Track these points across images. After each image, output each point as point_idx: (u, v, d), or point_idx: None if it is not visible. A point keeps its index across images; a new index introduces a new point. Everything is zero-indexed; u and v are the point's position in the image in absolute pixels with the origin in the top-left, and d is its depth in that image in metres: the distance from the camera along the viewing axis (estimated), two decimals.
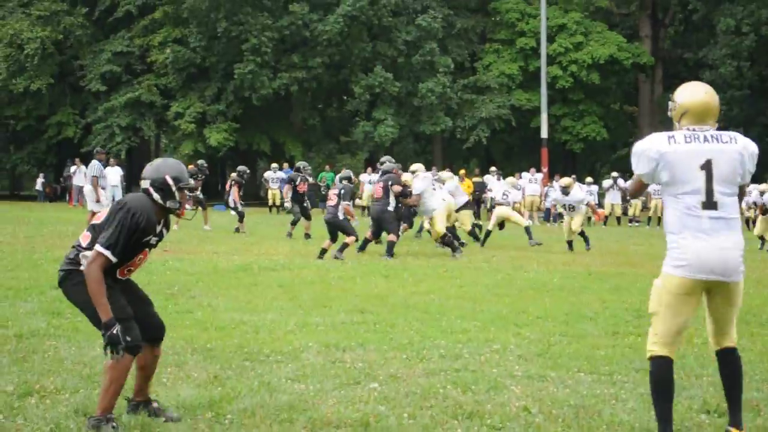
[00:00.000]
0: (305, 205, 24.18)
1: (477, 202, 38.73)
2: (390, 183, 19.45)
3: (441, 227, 20.09)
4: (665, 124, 52.28)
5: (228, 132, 46.59)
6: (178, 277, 14.75)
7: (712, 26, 46.96)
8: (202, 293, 13.18)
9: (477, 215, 38.75)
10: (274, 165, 40.85)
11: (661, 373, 6.00)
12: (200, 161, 29.55)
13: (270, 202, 39.64)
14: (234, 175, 27.39)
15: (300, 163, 23.51)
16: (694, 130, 5.99)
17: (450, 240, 19.79)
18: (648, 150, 5.99)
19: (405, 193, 19.71)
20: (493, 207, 35.23)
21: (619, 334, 10.49)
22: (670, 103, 6.15)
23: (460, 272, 16.63)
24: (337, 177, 21.45)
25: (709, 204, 5.86)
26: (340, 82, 49.72)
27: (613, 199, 37.74)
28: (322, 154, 50.16)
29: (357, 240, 19.16)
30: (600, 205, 38.00)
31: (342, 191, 19.11)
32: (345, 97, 51.18)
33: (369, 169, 40.18)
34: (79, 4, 50.53)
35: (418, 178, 20.24)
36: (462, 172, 39.14)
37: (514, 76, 50.07)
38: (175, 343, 9.09)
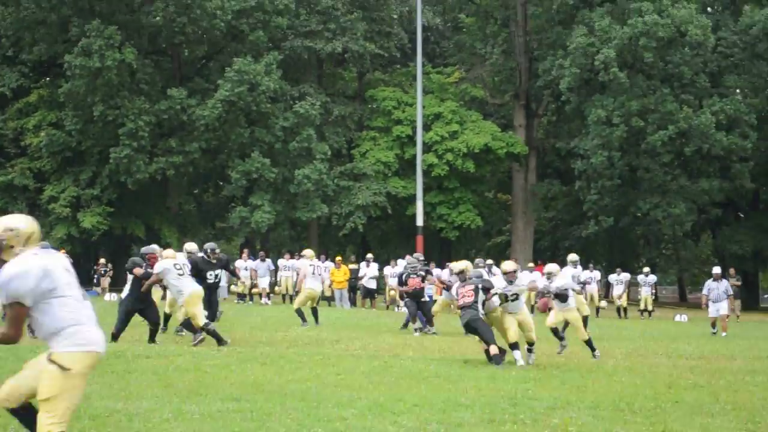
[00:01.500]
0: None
1: (353, 288, 38.86)
2: (481, 286, 17.00)
3: None
4: (538, 212, 53.51)
5: (102, 216, 46.06)
6: None
7: (584, 117, 48.09)
8: (90, 380, 12.91)
9: (353, 302, 38.94)
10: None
11: None
12: None
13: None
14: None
15: (207, 245, 21.79)
16: None
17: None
18: None
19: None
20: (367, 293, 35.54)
21: (495, 422, 10.55)
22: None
23: (337, 359, 16.58)
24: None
25: None
26: (216, 167, 49.65)
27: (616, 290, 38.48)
28: (198, 239, 49.78)
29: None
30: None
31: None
32: (221, 183, 51.06)
33: (244, 255, 39.92)
34: None
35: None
36: (338, 258, 39.27)
37: (391, 164, 50.53)
38: None
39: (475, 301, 16.70)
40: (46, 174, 48.19)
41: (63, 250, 42.84)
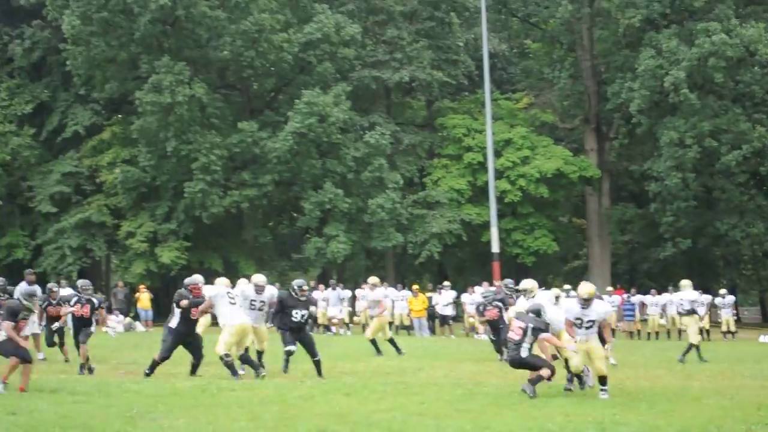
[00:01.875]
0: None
1: (431, 317, 38.85)
2: (532, 326, 16.06)
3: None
4: (614, 235, 53.04)
5: (180, 251, 46.36)
6: (137, 399, 14.51)
7: (656, 139, 47.70)
8: (163, 416, 12.97)
9: (432, 330, 38.88)
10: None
11: None
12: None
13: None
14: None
15: (295, 282, 20.25)
16: None
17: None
18: None
19: None
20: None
21: None
22: None
23: (420, 388, 16.51)
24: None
25: None
26: (290, 199, 49.84)
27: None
28: (275, 271, 50.06)
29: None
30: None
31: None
32: (295, 214, 51.24)
33: (321, 286, 40.06)
34: (26, 125, 50.48)
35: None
36: (415, 287, 39.24)
37: (463, 191, 50.36)
38: None
39: (522, 342, 15.93)
40: (123, 210, 48.71)
41: (142, 286, 43.32)
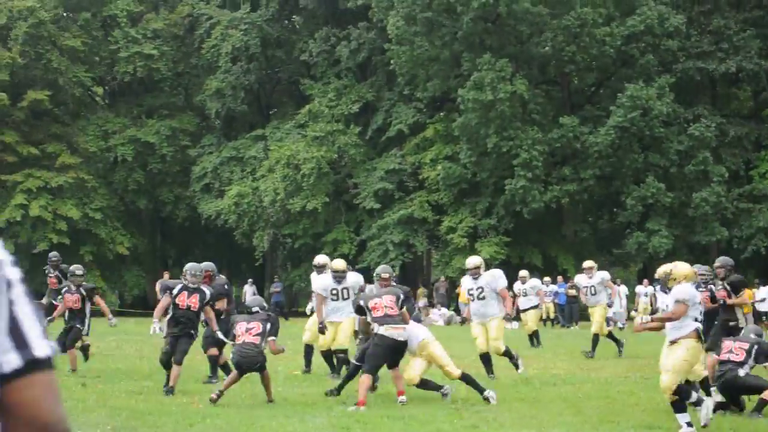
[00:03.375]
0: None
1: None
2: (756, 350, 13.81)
3: None
4: None
5: (499, 246, 46.74)
6: (460, 392, 14.74)
7: None
8: (487, 408, 13.15)
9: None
10: (547, 279, 40.97)
11: None
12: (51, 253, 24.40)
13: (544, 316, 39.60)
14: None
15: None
16: None
17: None
18: None
19: None
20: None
21: None
22: None
23: None
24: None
25: None
26: (611, 194, 49.30)
27: None
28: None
29: None
30: None
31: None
32: (616, 209, 50.64)
33: (645, 281, 39.56)
34: (353, 124, 52.26)
35: None
36: None
37: None
38: None
39: (744, 362, 13.46)
40: (444, 206, 49.54)
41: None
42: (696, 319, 11.46)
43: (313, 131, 51.12)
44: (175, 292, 15.29)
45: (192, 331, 15.31)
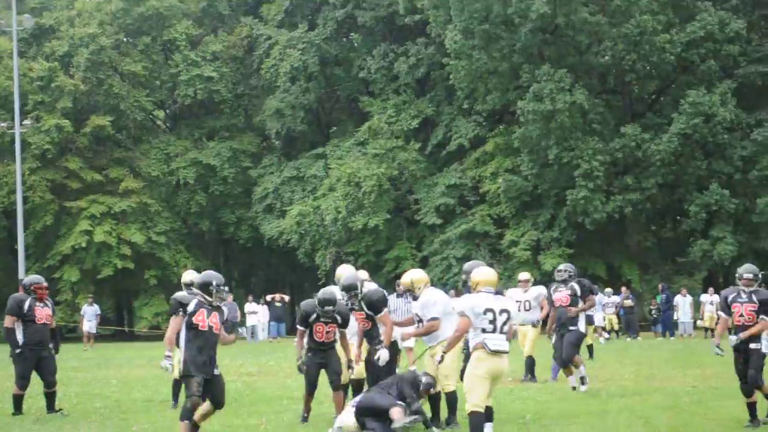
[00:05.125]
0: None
1: None
2: None
3: None
4: None
5: (562, 258, 46.34)
6: (528, 406, 14.68)
7: None
8: (554, 422, 13.06)
9: None
10: (608, 290, 40.76)
11: None
12: None
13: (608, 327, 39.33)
14: None
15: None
16: None
17: None
18: None
19: None
20: None
21: None
22: None
23: None
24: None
25: None
26: (674, 202, 48.84)
27: None
28: (659, 275, 49.23)
29: None
30: None
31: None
32: (679, 217, 50.14)
33: (711, 289, 39.18)
34: (413, 140, 52.25)
35: None
36: None
37: None
38: None
39: None
40: (506, 219, 49.31)
41: None
42: None
43: (373, 148, 51.22)
44: (190, 309, 11.90)
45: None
